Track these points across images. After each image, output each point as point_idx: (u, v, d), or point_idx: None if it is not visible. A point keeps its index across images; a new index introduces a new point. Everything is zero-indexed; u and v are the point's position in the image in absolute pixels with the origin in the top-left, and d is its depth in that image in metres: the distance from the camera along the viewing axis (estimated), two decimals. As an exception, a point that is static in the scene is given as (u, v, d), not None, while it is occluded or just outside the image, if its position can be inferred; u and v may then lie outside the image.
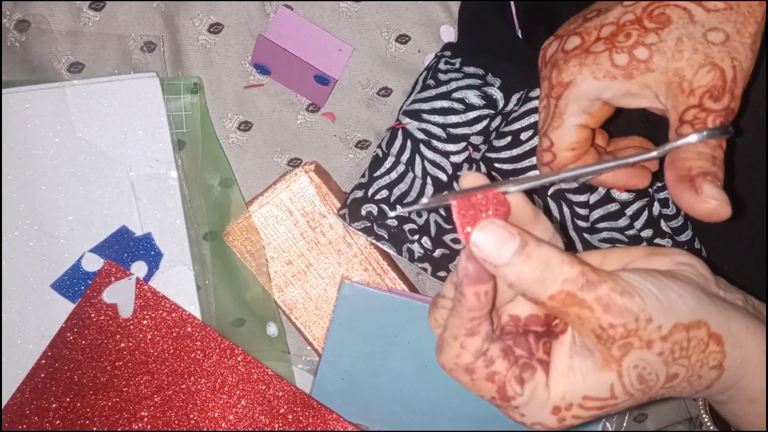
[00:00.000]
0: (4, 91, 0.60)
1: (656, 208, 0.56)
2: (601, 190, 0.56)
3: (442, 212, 0.60)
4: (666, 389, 0.35)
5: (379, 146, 0.61)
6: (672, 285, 0.34)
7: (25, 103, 0.60)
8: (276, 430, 0.62)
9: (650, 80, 0.38)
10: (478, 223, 0.32)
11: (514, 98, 0.58)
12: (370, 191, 0.60)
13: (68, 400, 0.61)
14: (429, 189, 0.59)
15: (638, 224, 0.56)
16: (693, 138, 0.35)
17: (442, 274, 0.61)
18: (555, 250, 0.33)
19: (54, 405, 0.61)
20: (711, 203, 0.37)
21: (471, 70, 0.60)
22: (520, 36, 0.63)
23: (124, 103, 0.61)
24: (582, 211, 0.56)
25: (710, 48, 0.37)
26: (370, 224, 0.61)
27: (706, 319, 0.34)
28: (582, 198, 0.55)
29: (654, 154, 0.36)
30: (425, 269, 0.62)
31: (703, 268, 0.38)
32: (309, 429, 0.62)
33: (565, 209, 0.56)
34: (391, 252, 0.62)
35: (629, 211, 0.56)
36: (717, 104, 0.36)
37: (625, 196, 0.56)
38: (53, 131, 0.61)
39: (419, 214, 0.60)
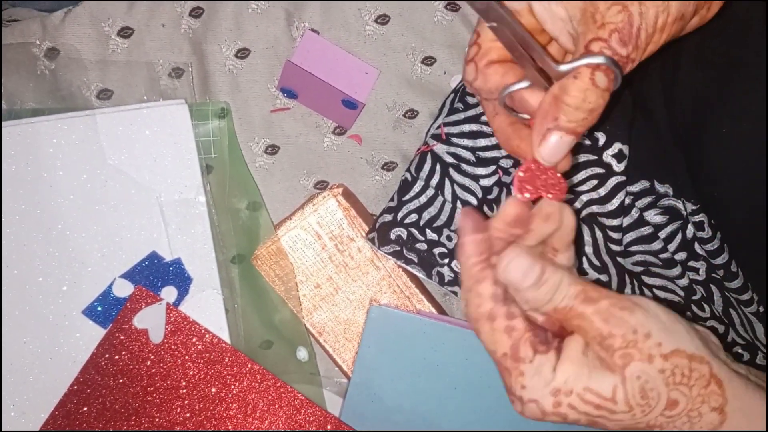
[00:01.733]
0: (33, 119, 0.61)
1: (690, 230, 0.56)
2: (634, 214, 0.56)
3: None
4: (665, 418, 0.36)
5: (408, 170, 0.61)
6: (683, 322, 0.37)
7: (55, 131, 0.61)
8: (308, 455, 0.62)
9: (569, 3, 0.38)
10: (505, 252, 0.37)
11: None
12: (400, 215, 0.60)
13: (100, 426, 0.61)
14: (459, 213, 0.59)
15: (672, 247, 0.56)
16: (598, 59, 0.35)
17: (471, 297, 0.61)
18: (566, 274, 0.37)
19: (86, 430, 0.61)
20: (544, 147, 0.37)
21: None
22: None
23: (153, 130, 0.62)
24: (615, 235, 0.55)
25: None
26: (399, 248, 0.61)
27: (709, 359, 0.36)
28: (615, 222, 0.55)
29: (561, 67, 0.36)
30: (455, 292, 0.62)
31: (716, 339, 0.39)
32: (341, 454, 0.62)
33: (598, 233, 0.56)
34: (421, 276, 0.62)
35: (662, 234, 0.56)
36: (622, 48, 0.35)
37: (658, 219, 0.56)
38: (83, 159, 0.61)
39: (449, 238, 0.60)
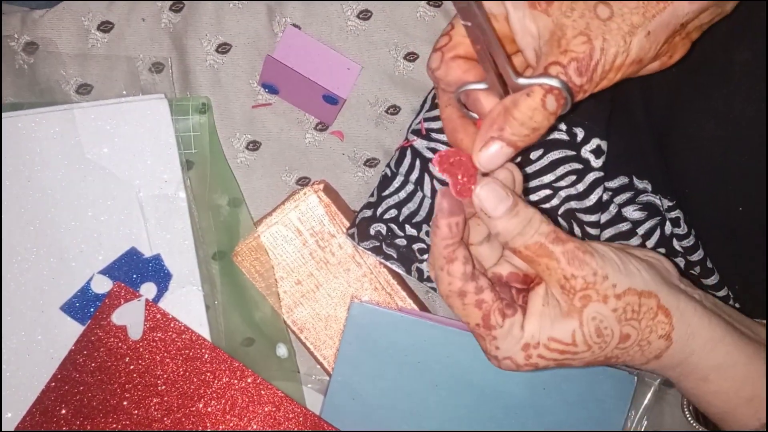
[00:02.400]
0: (12, 113, 0.60)
1: (668, 227, 0.56)
2: (612, 210, 0.56)
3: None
4: (620, 350, 0.41)
5: (388, 165, 0.61)
6: (633, 261, 0.41)
7: (33, 126, 0.60)
8: (287, 452, 0.61)
9: (542, 22, 0.39)
10: (482, 180, 0.40)
11: None
12: (379, 210, 0.60)
13: (78, 423, 0.60)
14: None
15: (650, 243, 0.55)
16: (553, 82, 0.37)
17: (452, 293, 0.61)
18: (537, 212, 0.41)
19: (64, 428, 0.60)
20: (483, 153, 0.39)
21: None
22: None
23: (132, 125, 0.61)
24: (593, 231, 0.55)
25: (593, 20, 0.37)
26: (379, 244, 0.60)
27: (657, 292, 0.41)
28: (593, 218, 0.55)
29: (520, 80, 0.38)
30: (434, 288, 0.61)
31: (669, 264, 0.45)
32: (320, 451, 0.61)
33: (576, 229, 0.56)
34: (400, 271, 0.62)
35: (641, 230, 0.56)
36: (577, 78, 0.37)
37: (637, 215, 0.56)
38: (62, 153, 0.61)
39: (428, 233, 0.59)
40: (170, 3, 0.63)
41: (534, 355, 0.41)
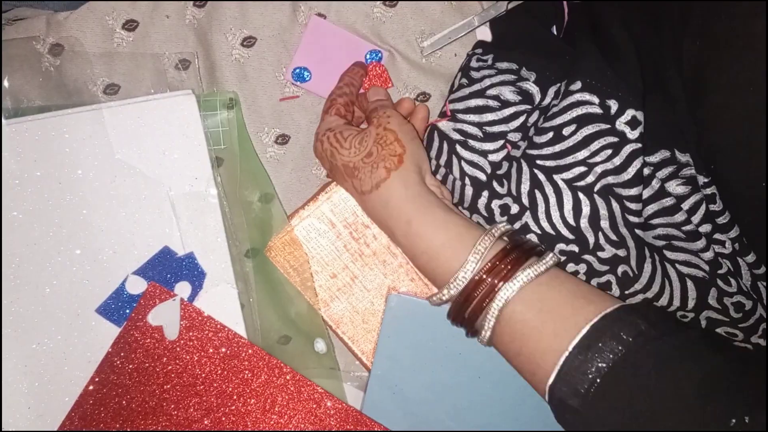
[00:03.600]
0: (40, 116, 0.60)
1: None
2: (655, 184, 0.54)
3: (484, 213, 0.58)
4: (362, 162, 0.54)
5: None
6: (417, 138, 0.56)
7: (62, 128, 0.60)
8: (329, 448, 0.60)
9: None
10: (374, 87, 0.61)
11: (551, 91, 0.56)
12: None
13: (118, 426, 0.60)
14: (468, 190, 0.57)
15: (696, 219, 0.53)
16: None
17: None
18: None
19: (103, 431, 0.60)
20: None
21: (504, 65, 0.58)
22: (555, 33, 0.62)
23: (161, 122, 0.61)
24: (633, 206, 0.53)
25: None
26: None
27: (405, 146, 0.54)
28: (633, 191, 0.53)
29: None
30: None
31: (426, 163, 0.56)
32: (363, 446, 0.60)
33: (615, 205, 0.54)
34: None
35: (685, 205, 0.54)
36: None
37: (681, 189, 0.54)
38: (92, 154, 0.60)
39: None
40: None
41: (324, 141, 0.57)
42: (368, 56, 0.63)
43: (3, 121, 0.59)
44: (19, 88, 0.60)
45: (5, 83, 0.60)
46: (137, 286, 0.61)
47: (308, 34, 0.63)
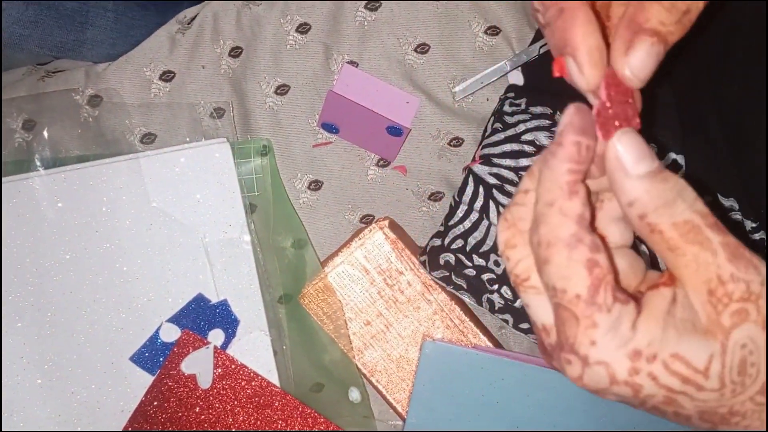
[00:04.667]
0: (79, 165, 0.61)
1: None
2: None
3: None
4: (755, 405, 0.29)
5: (453, 195, 0.59)
6: None
7: (100, 177, 0.61)
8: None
9: None
10: (620, 129, 0.30)
11: None
12: (447, 240, 0.58)
13: (150, 476, 0.59)
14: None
15: None
16: None
17: (524, 326, 0.58)
18: (689, 185, 0.29)
19: (136, 482, 0.59)
20: (632, 56, 0.30)
21: (538, 110, 0.58)
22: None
23: (196, 170, 0.61)
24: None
25: None
26: (448, 273, 0.58)
27: None
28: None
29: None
30: (506, 321, 0.58)
31: None
32: (400, 500, 0.59)
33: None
34: (471, 302, 0.59)
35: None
36: None
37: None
38: (128, 203, 0.61)
39: (497, 263, 0.57)
40: (229, 49, 0.64)
41: (644, 371, 0.28)
42: (388, 131, 0.62)
43: (41, 171, 0.60)
44: (58, 139, 0.61)
45: (45, 134, 0.61)
46: (171, 334, 0.61)
47: (340, 81, 0.63)
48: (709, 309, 0.28)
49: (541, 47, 0.62)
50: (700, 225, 0.29)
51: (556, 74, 0.32)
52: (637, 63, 0.30)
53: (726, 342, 0.28)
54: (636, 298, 0.30)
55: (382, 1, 0.64)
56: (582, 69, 0.30)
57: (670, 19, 0.29)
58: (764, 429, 0.29)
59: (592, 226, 0.31)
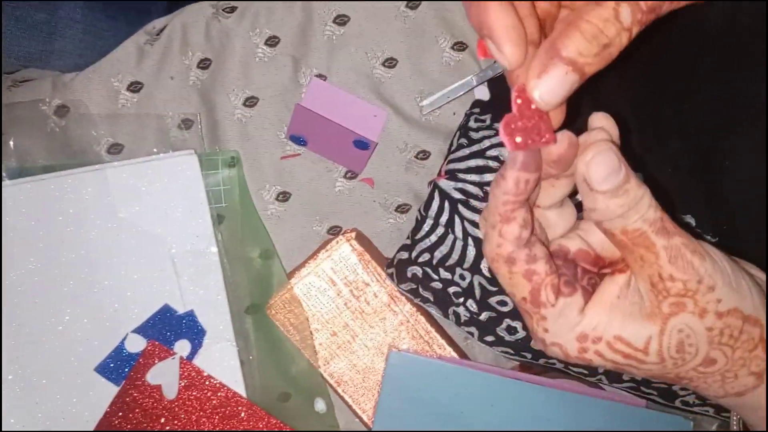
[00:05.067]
0: (45, 176, 0.61)
1: None
2: None
3: (486, 273, 0.58)
4: (697, 373, 0.34)
5: (419, 209, 0.60)
6: (747, 279, 0.34)
7: (65, 187, 0.61)
8: None
9: None
10: (596, 144, 0.33)
11: None
12: (413, 254, 0.59)
13: (114, 488, 0.59)
14: (471, 251, 0.57)
15: None
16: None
17: (489, 338, 0.59)
18: (648, 192, 0.33)
19: (100, 494, 0.59)
20: (543, 81, 0.31)
21: None
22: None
23: (163, 182, 0.61)
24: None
25: None
26: (416, 286, 0.59)
27: (764, 321, 0.34)
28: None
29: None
30: (472, 333, 0.59)
31: None
32: None
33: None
34: (438, 315, 0.60)
35: None
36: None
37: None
38: (95, 213, 0.61)
39: (462, 277, 0.58)
40: (198, 60, 0.64)
41: (591, 350, 0.34)
42: (355, 144, 0.63)
43: (7, 181, 0.60)
44: (24, 149, 0.61)
45: (11, 144, 0.61)
46: (137, 344, 0.61)
47: (308, 94, 0.64)
48: (652, 297, 0.33)
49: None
50: (647, 232, 0.32)
51: (480, 56, 0.34)
52: (547, 89, 0.31)
53: (664, 326, 0.33)
54: (599, 269, 0.36)
55: (350, 16, 0.64)
56: (500, 48, 0.32)
57: (589, 51, 0.30)
58: (711, 391, 0.35)
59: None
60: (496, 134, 0.58)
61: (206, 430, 0.60)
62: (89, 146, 0.63)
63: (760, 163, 0.48)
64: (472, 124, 0.60)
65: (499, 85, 0.64)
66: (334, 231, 0.66)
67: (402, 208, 0.66)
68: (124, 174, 0.61)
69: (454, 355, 0.63)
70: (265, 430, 0.60)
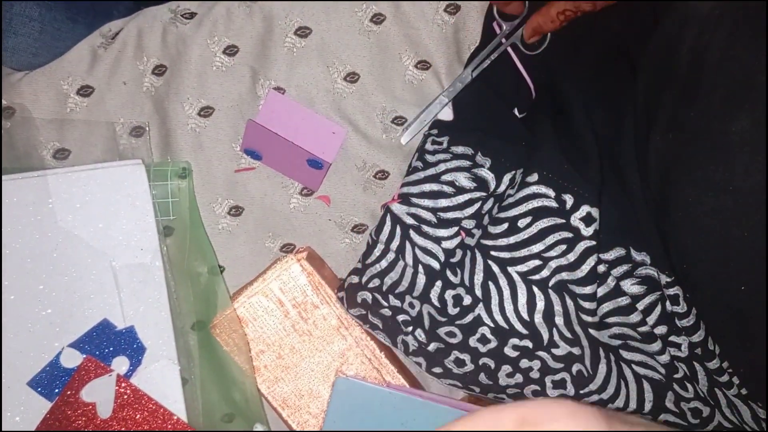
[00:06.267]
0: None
1: (668, 304, 0.52)
2: (610, 283, 0.52)
3: (436, 303, 0.56)
4: None
5: (371, 233, 0.58)
6: None
7: (6, 193, 0.58)
8: None
9: None
10: None
11: (506, 179, 0.55)
12: (364, 279, 0.57)
13: None
14: (421, 279, 0.55)
15: (651, 320, 0.52)
16: None
17: (437, 370, 0.57)
18: None
19: None
20: None
21: (459, 149, 0.57)
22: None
23: (108, 191, 0.59)
24: (587, 305, 0.51)
25: None
26: (365, 312, 0.57)
27: None
28: (587, 290, 0.51)
29: None
30: (420, 364, 0.57)
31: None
32: None
33: (569, 302, 0.52)
34: (387, 343, 0.58)
35: (641, 306, 0.52)
36: None
37: (636, 289, 0.52)
38: (34, 221, 0.58)
39: (412, 305, 0.56)
40: (153, 66, 0.62)
41: None
42: (309, 163, 0.61)
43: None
44: (-35, 150, 0.59)
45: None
46: (73, 359, 0.59)
47: (265, 107, 0.61)
48: None
49: (473, 70, 0.61)
50: None
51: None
52: None
53: None
54: None
55: (313, 28, 0.62)
56: None
57: None
58: None
59: None
60: (453, 158, 0.56)
61: (140, 452, 0.57)
62: (34, 150, 0.61)
63: (720, 202, 0.46)
64: (428, 146, 0.58)
65: (465, 102, 0.62)
66: (288, 249, 0.63)
67: (358, 228, 0.64)
68: (67, 182, 0.59)
69: (405, 383, 0.61)
70: (202, 454, 0.58)
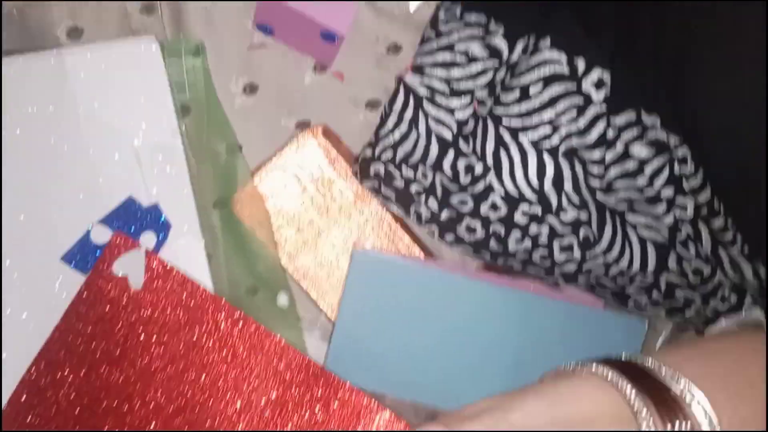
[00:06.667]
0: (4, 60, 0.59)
1: (676, 167, 0.52)
2: (619, 148, 0.52)
3: (449, 173, 0.57)
4: None
5: (384, 104, 0.58)
6: None
7: (23, 72, 0.59)
8: (287, 401, 0.61)
9: None
10: None
11: (519, 45, 0.54)
12: (377, 151, 0.58)
13: (83, 372, 0.60)
14: (434, 149, 0.56)
15: (658, 183, 0.52)
16: None
17: (449, 237, 0.58)
18: None
19: (70, 377, 0.61)
20: None
21: (473, 18, 0.56)
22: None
23: (123, 69, 0.59)
24: (596, 170, 0.52)
25: None
26: (378, 184, 0.58)
27: None
28: (596, 155, 0.52)
29: None
30: (432, 232, 0.59)
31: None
32: (321, 400, 0.61)
33: (578, 167, 0.53)
34: (400, 213, 0.60)
35: (648, 169, 0.52)
36: None
37: (645, 152, 0.52)
38: (53, 101, 0.59)
39: (425, 175, 0.57)
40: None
41: None
42: (322, 36, 0.59)
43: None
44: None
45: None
46: (102, 235, 0.61)
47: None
48: None
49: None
50: None
51: None
52: None
53: None
54: None
55: None
56: None
57: None
58: None
59: None
60: (465, 27, 0.56)
61: (171, 319, 0.60)
62: (48, 29, 0.61)
63: (727, 84, 0.46)
64: (441, 16, 0.57)
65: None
66: (303, 125, 0.64)
67: (372, 104, 0.64)
68: (83, 59, 0.59)
69: (420, 253, 0.63)
70: (229, 321, 0.61)
